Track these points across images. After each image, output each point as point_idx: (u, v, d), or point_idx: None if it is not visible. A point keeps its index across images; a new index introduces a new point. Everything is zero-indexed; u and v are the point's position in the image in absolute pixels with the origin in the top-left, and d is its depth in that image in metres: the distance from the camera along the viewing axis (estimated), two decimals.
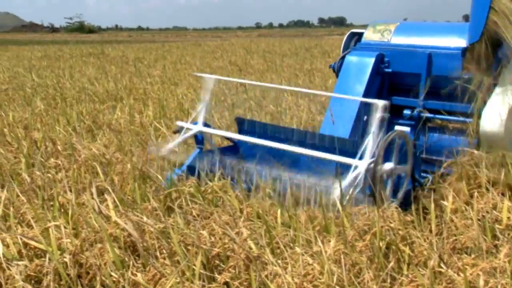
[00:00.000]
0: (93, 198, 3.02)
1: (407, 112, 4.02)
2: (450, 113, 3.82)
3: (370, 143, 3.06)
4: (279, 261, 2.41)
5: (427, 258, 2.44)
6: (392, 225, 2.67)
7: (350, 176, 3.03)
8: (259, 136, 3.81)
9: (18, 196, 3.41)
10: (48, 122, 6.18)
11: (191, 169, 3.76)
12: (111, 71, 13.41)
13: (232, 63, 15.79)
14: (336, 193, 2.96)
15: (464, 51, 3.63)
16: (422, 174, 3.63)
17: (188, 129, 3.92)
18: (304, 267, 2.39)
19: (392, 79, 4.21)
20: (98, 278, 2.37)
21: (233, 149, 4.10)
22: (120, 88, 9.57)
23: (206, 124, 3.99)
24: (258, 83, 4.43)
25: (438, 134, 3.97)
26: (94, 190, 3.11)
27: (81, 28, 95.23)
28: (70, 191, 3.33)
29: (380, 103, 3.15)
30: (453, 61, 3.72)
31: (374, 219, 2.64)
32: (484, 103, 3.44)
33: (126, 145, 4.78)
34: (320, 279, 2.32)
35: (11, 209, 3.16)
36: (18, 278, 2.37)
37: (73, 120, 6.29)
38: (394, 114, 3.95)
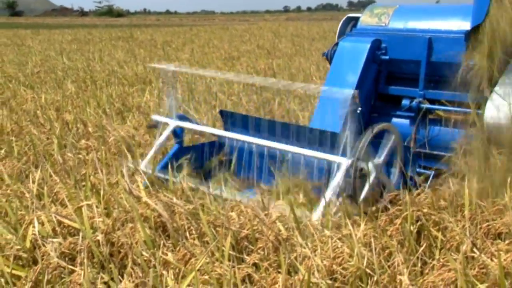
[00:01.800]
0: (124, 179, 3.05)
1: (405, 102, 3.64)
2: (453, 103, 3.45)
3: (349, 139, 2.81)
4: (309, 244, 2.40)
5: (459, 243, 2.41)
6: (424, 210, 2.63)
7: (335, 180, 2.82)
8: (245, 129, 3.61)
9: (51, 176, 3.46)
10: (79, 105, 6.23)
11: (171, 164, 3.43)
12: (140, 54, 13.48)
13: (260, 46, 15.74)
14: (315, 216, 2.71)
15: (467, 34, 3.25)
16: (422, 170, 3.38)
17: (165, 124, 3.65)
18: (334, 250, 2.38)
19: (390, 67, 3.80)
20: (129, 257, 2.38)
21: (215, 143, 3.80)
22: (149, 71, 9.60)
23: (183, 117, 3.77)
24: (220, 74, 4.17)
25: (439, 127, 3.56)
26: (125, 171, 3.13)
27: (110, 12, 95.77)
28: (101, 171, 3.36)
29: (349, 94, 2.91)
30: (456, 46, 3.32)
31: (406, 204, 2.60)
32: (489, 92, 3.10)
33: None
34: (349, 261, 2.31)
35: (45, 188, 3.21)
36: (53, 255, 2.40)
37: (103, 102, 6.33)
38: (393, 105, 3.76)
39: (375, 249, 2.36)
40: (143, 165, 3.41)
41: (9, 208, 2.90)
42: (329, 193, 2.78)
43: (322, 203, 2.73)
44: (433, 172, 3.25)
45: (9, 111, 5.96)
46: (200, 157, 3.66)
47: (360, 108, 3.35)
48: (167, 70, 3.89)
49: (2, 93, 7.30)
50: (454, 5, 3.74)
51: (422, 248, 2.39)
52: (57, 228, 2.67)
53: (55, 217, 2.70)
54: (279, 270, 2.24)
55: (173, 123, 3.64)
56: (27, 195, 3.12)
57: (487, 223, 2.61)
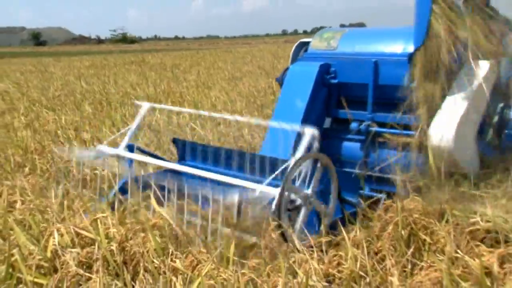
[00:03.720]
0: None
1: (354, 125, 3.34)
2: (401, 126, 3.14)
3: (289, 168, 2.49)
4: (305, 249, 2.38)
5: (444, 245, 2.38)
6: (415, 215, 2.58)
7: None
8: (195, 157, 3.33)
9: (68, 192, 3.45)
10: (95, 124, 6.23)
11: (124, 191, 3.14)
12: (151, 77, 13.51)
13: (260, 67, 15.76)
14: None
15: (410, 57, 2.99)
16: (376, 193, 3.09)
17: (111, 155, 3.33)
18: (329, 252, 2.38)
19: (340, 91, 3.49)
20: (141, 264, 2.36)
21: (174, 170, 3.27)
22: (159, 92, 9.63)
23: (132, 148, 3.44)
24: (191, 110, 4.11)
25: (388, 150, 3.19)
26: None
27: (124, 39, 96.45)
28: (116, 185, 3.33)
29: (308, 131, 2.67)
30: (401, 69, 3.06)
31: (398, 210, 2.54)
32: (434, 114, 2.89)
33: (164, 144, 4.79)
34: (344, 265, 2.29)
35: (65, 202, 3.19)
36: (71, 263, 2.38)
37: (117, 122, 6.33)
38: (345, 129, 3.44)
39: (369, 253, 2.35)
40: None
41: (32, 221, 2.88)
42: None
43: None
44: (384, 195, 2.98)
45: (33, 132, 5.96)
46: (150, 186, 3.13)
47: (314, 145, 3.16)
48: (143, 105, 3.61)
49: (27, 115, 7.31)
50: (399, 28, 3.52)
51: (411, 251, 2.37)
52: (75, 239, 2.65)
53: (73, 229, 2.69)
54: (279, 274, 2.21)
55: (115, 151, 3.32)
56: (48, 209, 3.10)
57: (472, 227, 2.57)
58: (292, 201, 2.51)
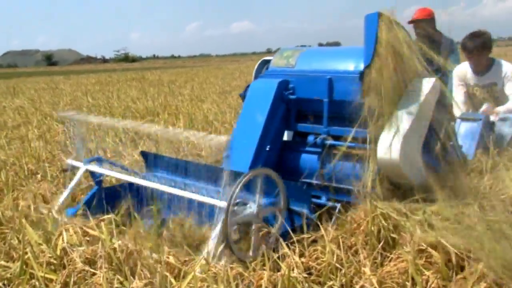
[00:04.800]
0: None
1: (310, 138, 3.19)
2: (354, 139, 2.99)
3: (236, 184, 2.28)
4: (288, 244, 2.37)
5: (410, 239, 2.37)
6: (384, 211, 2.53)
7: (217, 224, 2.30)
8: (161, 169, 3.13)
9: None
10: (100, 135, 6.17)
11: (89, 206, 3.00)
12: (149, 92, 13.44)
13: (247, 82, 15.64)
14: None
15: (361, 74, 2.88)
16: (330, 203, 2.96)
17: (76, 168, 3.15)
18: (309, 247, 2.37)
19: (298, 106, 3.32)
20: (139, 261, 2.32)
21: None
22: (157, 105, 9.57)
23: (100, 160, 3.27)
24: (130, 124, 3.46)
25: (343, 162, 3.05)
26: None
27: (126, 58, 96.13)
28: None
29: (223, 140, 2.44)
30: (353, 85, 2.92)
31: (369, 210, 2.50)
32: (382, 129, 2.78)
33: (162, 152, 4.76)
34: (322, 258, 2.28)
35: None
36: (78, 260, 2.34)
37: (120, 132, 6.27)
38: (303, 142, 3.28)
39: (344, 247, 2.33)
40: (55, 209, 2.97)
41: (45, 221, 2.82)
42: (212, 238, 2.30)
43: (205, 248, 2.29)
44: (339, 205, 2.85)
45: (45, 142, 5.91)
46: (118, 198, 3.00)
47: (268, 146, 3.12)
48: (73, 118, 3.43)
49: (39, 128, 7.23)
50: (353, 47, 3.37)
51: (381, 244, 2.35)
52: (82, 238, 2.60)
53: (81, 228, 2.64)
54: (264, 267, 2.18)
55: (84, 167, 3.15)
56: (54, 211, 3.04)
57: None
58: (242, 216, 2.34)
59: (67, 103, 10.97)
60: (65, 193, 3.12)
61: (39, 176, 4.29)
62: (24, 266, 2.32)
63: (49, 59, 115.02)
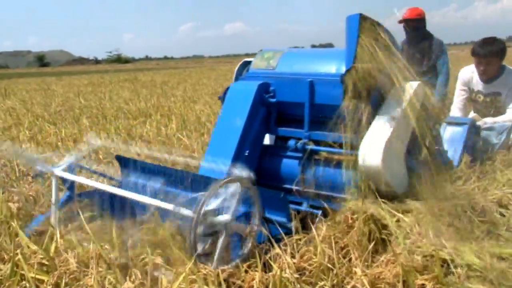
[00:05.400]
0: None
1: (291, 142, 3.05)
2: (336, 144, 2.89)
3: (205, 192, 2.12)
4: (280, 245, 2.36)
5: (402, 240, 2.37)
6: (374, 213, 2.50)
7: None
8: (137, 174, 2.96)
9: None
10: (91, 136, 6.14)
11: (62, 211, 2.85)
12: (142, 93, 13.40)
13: None
14: (168, 276, 2.16)
15: (342, 77, 2.75)
16: (310, 209, 2.85)
17: (49, 173, 2.95)
18: (301, 249, 2.36)
19: (279, 110, 3.19)
20: (130, 262, 2.31)
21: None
22: (149, 106, 9.54)
23: (78, 166, 3.10)
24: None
25: (324, 167, 2.95)
26: None
27: (119, 59, 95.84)
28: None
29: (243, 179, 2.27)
30: (334, 89, 2.81)
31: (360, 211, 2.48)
32: (363, 134, 2.68)
33: (154, 153, 4.73)
34: (314, 258, 2.28)
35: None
36: (72, 261, 2.33)
37: (112, 133, 6.26)
38: (284, 146, 3.16)
39: (335, 248, 2.33)
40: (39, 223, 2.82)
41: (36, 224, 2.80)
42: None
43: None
44: (320, 212, 2.75)
45: (36, 144, 5.86)
46: (92, 203, 2.86)
47: (247, 151, 3.01)
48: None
49: (31, 129, 7.17)
50: (335, 49, 3.30)
51: (371, 245, 2.35)
52: (74, 239, 2.58)
53: (72, 229, 2.63)
54: (256, 269, 2.18)
55: (57, 172, 2.91)
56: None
57: None
58: (212, 226, 2.18)
59: (59, 104, 10.91)
60: (52, 209, 2.87)
61: (30, 177, 4.26)
62: (15, 268, 2.31)
63: (41, 60, 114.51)
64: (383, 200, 2.57)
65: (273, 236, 2.40)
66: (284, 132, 3.18)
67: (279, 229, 2.49)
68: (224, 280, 2.08)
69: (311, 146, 2.98)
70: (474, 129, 3.90)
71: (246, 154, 3.01)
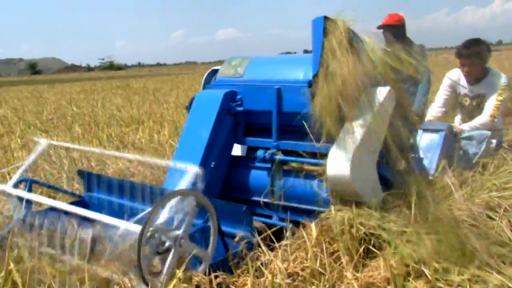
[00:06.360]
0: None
1: (259, 153, 2.93)
2: (305, 154, 2.80)
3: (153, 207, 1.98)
4: (270, 252, 2.36)
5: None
6: (370, 222, 2.43)
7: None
8: (100, 190, 2.85)
9: None
10: (84, 144, 6.12)
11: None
12: (134, 100, 13.37)
13: None
14: None
15: (310, 84, 2.62)
16: (282, 222, 2.74)
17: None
18: (292, 253, 2.35)
19: (247, 119, 3.06)
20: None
21: (79, 203, 2.82)
22: (142, 113, 9.53)
23: (29, 181, 2.95)
24: (87, 148, 3.49)
25: (293, 178, 2.82)
26: None
27: (111, 66, 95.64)
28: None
29: (192, 169, 2.28)
30: (302, 96, 2.68)
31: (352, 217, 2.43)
32: (332, 143, 2.54)
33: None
34: (305, 263, 2.28)
35: None
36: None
37: (104, 141, 6.24)
38: (252, 157, 3.05)
39: (327, 252, 2.33)
40: None
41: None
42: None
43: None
44: (291, 224, 2.63)
45: (28, 152, 5.83)
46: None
47: (213, 163, 2.90)
48: (41, 141, 3.13)
49: (22, 137, 7.15)
50: (303, 55, 3.16)
51: (361, 249, 2.35)
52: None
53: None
54: (248, 274, 2.18)
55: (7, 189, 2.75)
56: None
57: None
58: (163, 243, 2.04)
59: (51, 112, 10.88)
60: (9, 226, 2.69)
61: (21, 186, 4.22)
62: (7, 275, 2.28)
63: (33, 68, 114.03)
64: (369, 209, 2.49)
65: (234, 252, 2.29)
66: (253, 142, 3.08)
67: (242, 243, 2.35)
68: (218, 285, 2.08)
69: (279, 156, 2.86)
70: (452, 137, 3.74)
71: (212, 166, 2.90)
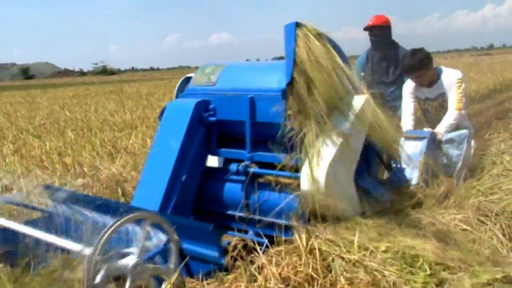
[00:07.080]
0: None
1: (233, 166, 2.82)
2: (280, 166, 2.63)
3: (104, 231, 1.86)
4: (264, 256, 2.34)
5: None
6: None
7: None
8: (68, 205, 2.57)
9: None
10: (77, 149, 6.10)
11: None
12: (127, 104, 13.33)
13: None
14: None
15: (283, 93, 2.48)
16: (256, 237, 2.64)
17: None
18: (285, 258, 2.32)
19: (220, 129, 2.94)
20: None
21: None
22: (135, 118, 9.50)
23: None
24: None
25: (268, 192, 2.70)
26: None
27: (105, 71, 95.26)
28: None
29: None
30: (276, 105, 2.55)
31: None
32: (306, 155, 2.42)
33: (139, 165, 4.71)
34: (299, 268, 2.27)
35: None
36: None
37: (97, 146, 6.21)
38: (225, 170, 2.92)
39: (319, 257, 2.32)
40: None
41: None
42: None
43: None
44: (266, 240, 2.55)
45: (20, 157, 5.80)
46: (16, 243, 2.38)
47: (184, 176, 2.78)
48: None
49: (14, 143, 7.11)
50: (278, 62, 2.98)
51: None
52: None
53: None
54: (241, 279, 2.18)
55: None
56: None
57: None
58: (113, 268, 1.90)
59: (43, 117, 10.83)
60: None
61: (14, 191, 4.20)
62: None
63: (26, 73, 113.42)
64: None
65: (204, 273, 2.21)
66: (226, 154, 2.95)
67: (211, 265, 2.27)
68: None
69: (253, 169, 2.75)
70: (434, 144, 3.67)
71: (183, 179, 2.79)
